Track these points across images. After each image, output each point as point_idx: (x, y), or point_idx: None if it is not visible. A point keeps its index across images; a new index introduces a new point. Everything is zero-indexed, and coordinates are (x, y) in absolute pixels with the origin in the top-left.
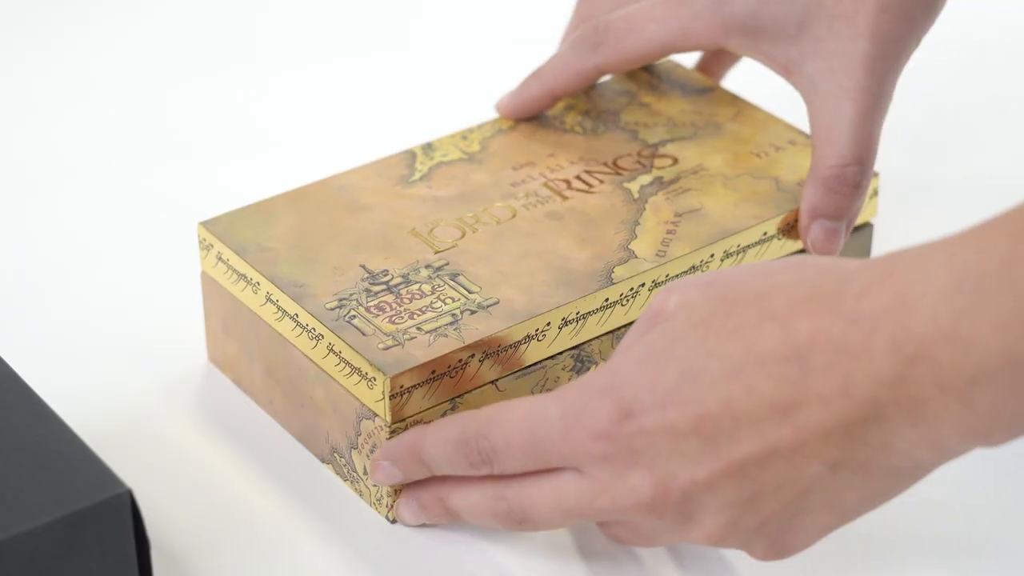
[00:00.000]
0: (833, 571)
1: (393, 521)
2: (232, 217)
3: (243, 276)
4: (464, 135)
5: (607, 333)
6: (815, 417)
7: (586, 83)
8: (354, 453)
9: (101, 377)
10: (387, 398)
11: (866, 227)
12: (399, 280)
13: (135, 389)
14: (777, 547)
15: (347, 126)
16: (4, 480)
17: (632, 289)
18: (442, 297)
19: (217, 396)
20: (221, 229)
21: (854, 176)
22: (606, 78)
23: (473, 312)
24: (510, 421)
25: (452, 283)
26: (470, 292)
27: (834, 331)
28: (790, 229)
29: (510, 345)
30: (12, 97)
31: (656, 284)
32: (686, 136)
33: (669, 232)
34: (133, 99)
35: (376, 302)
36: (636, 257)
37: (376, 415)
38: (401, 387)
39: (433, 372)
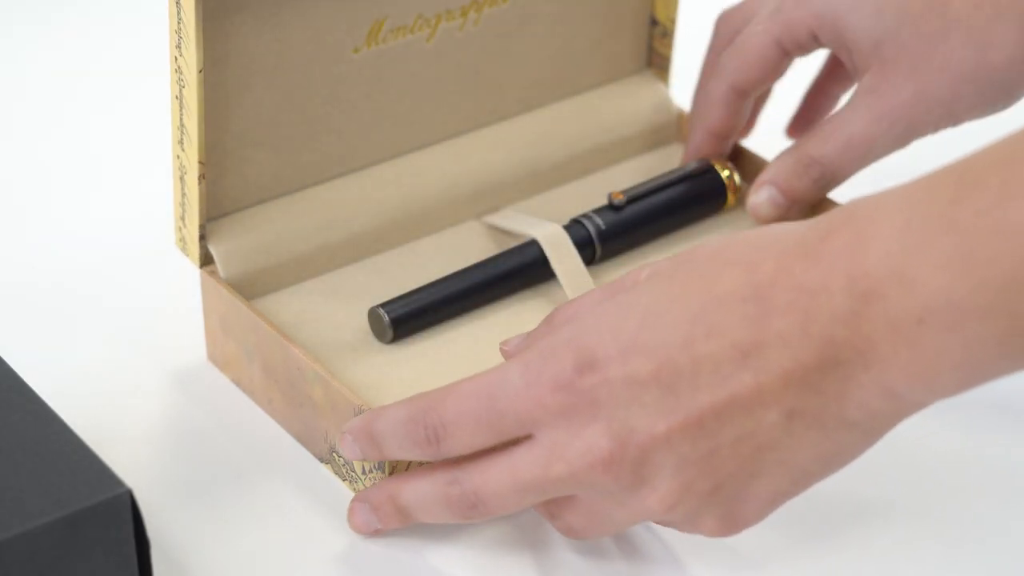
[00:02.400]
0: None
1: None
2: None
3: None
4: None
5: None
6: (775, 359)
7: (725, 102)
8: None
9: (101, 377)
10: None
11: None
12: None
13: (135, 389)
14: (728, 519)
15: None
16: (4, 480)
17: None
18: None
19: (216, 396)
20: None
21: (820, 178)
22: None
23: None
24: (465, 389)
25: None
26: None
27: (795, 270)
28: None
29: None
30: (11, 91)
31: None
32: None
33: None
34: (137, 93)
35: None
36: None
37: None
38: None
39: None
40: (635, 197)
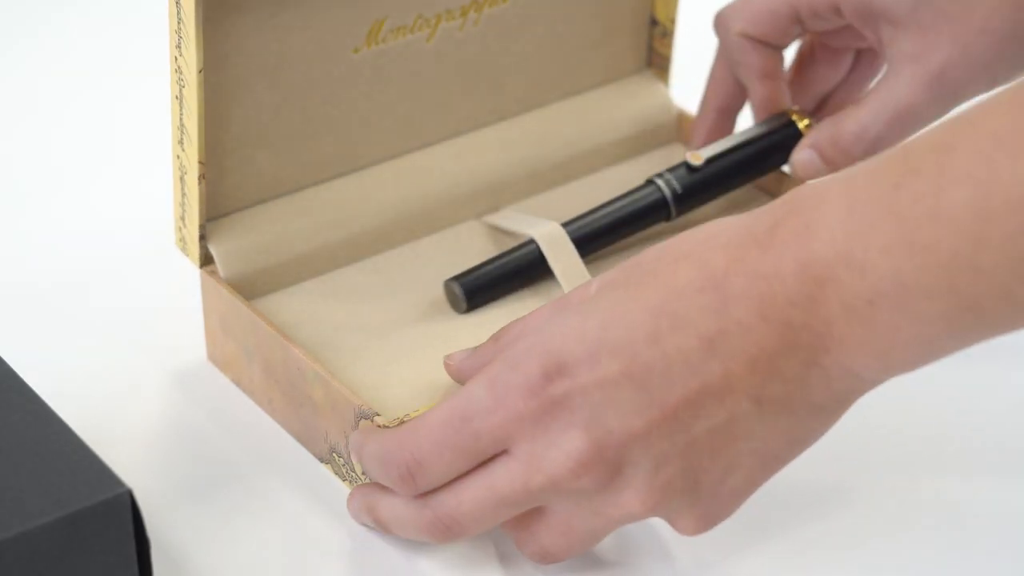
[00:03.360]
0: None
1: None
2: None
3: None
4: None
5: None
6: (739, 345)
7: (728, 55)
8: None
9: (101, 377)
10: None
11: None
12: None
13: (135, 389)
14: (704, 517)
15: None
16: (4, 480)
17: None
18: None
19: (216, 396)
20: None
21: (869, 151)
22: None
23: None
24: (433, 420)
25: None
26: None
27: (748, 258)
28: None
29: None
30: (11, 90)
31: None
32: None
33: None
34: (137, 93)
35: None
36: None
37: (376, 414)
38: None
39: None
40: (713, 157)
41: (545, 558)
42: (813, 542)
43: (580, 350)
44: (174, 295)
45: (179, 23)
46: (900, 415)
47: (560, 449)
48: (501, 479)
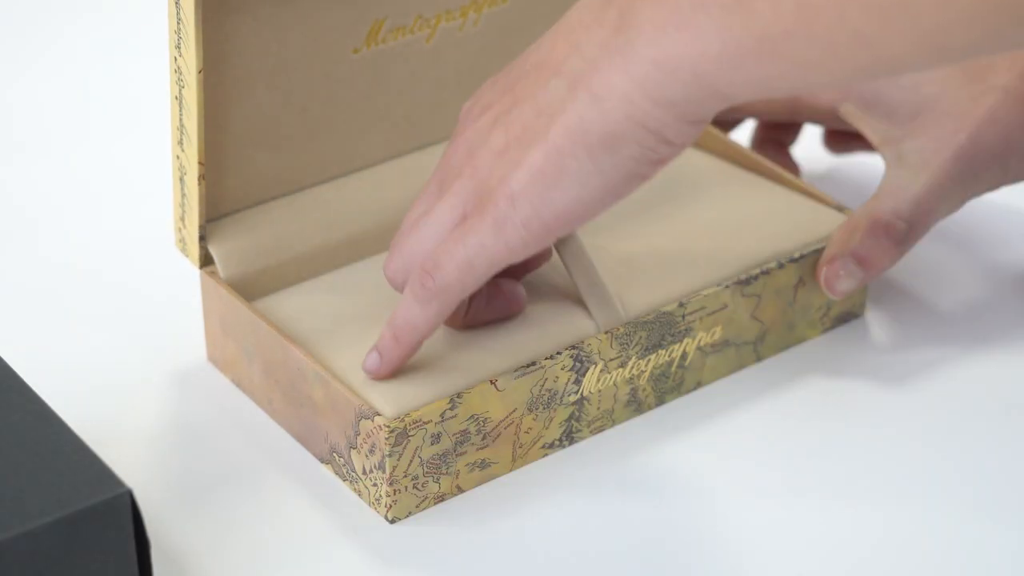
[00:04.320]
0: None
1: (392, 521)
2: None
3: None
4: None
5: (607, 332)
6: (574, 15)
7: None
8: (353, 453)
9: (101, 377)
10: None
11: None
12: None
13: (135, 389)
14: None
15: None
16: (4, 480)
17: None
18: None
19: (216, 396)
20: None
21: (901, 232)
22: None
23: None
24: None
25: None
26: None
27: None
28: None
29: None
30: (10, 91)
31: None
32: None
33: None
34: (137, 93)
35: None
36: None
37: (377, 414)
38: None
39: None
40: None
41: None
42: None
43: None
44: (174, 296)
45: (179, 23)
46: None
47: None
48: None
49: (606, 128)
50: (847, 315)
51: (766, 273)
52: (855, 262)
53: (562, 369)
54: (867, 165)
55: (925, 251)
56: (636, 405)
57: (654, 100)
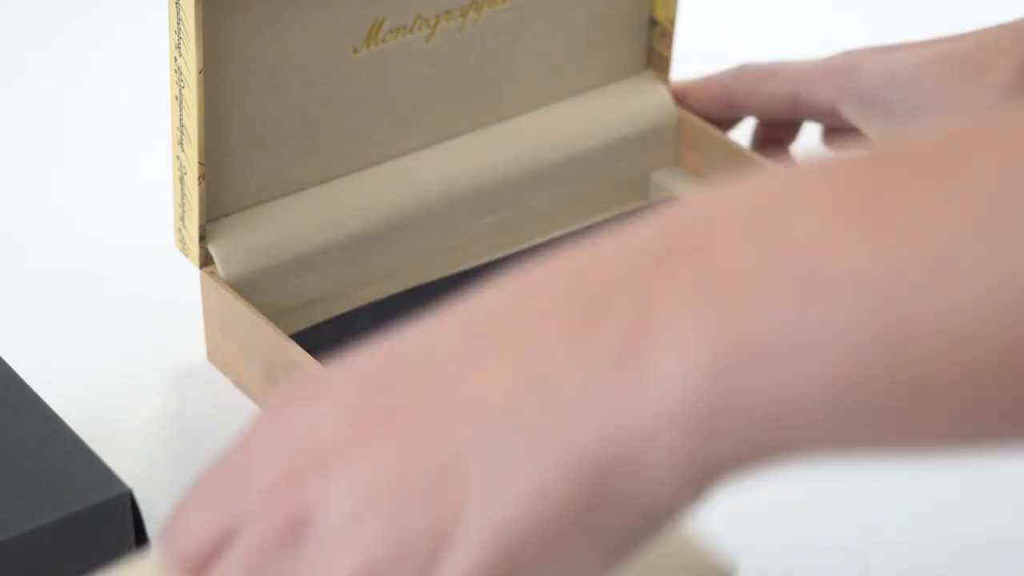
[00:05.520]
0: None
1: None
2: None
3: None
4: None
5: None
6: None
7: (719, 108)
8: None
9: (101, 377)
10: None
11: None
12: None
13: (135, 389)
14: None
15: None
16: (4, 480)
17: None
18: None
19: (216, 396)
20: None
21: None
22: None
23: None
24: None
25: None
26: None
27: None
28: None
29: None
30: (10, 91)
31: None
32: None
33: None
34: (137, 93)
35: None
36: None
37: None
38: None
39: None
40: None
41: None
42: None
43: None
44: (174, 296)
45: (179, 23)
46: None
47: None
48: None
49: None
50: None
51: None
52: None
53: None
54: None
55: None
56: None
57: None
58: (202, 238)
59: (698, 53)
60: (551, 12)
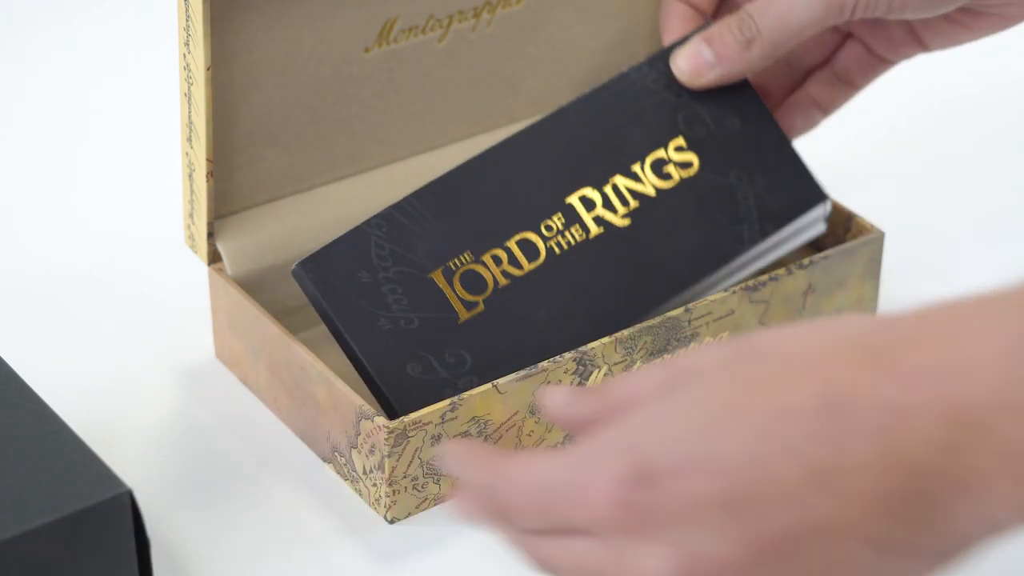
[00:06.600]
0: None
1: (392, 521)
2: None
3: None
4: None
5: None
6: (853, 484)
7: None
8: (354, 453)
9: (108, 375)
10: None
11: (876, 237)
12: None
13: (142, 386)
14: None
15: None
16: (4, 480)
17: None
18: None
19: (223, 394)
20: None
21: (748, 31)
22: None
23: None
24: (522, 480)
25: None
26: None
27: (877, 386)
28: None
29: None
30: (20, 88)
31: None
32: None
33: None
34: (146, 90)
35: None
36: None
37: (377, 415)
38: None
39: None
40: None
41: None
42: None
43: (671, 459)
44: (182, 292)
45: (188, 20)
46: None
47: (647, 563)
48: (592, 557)
49: None
50: None
51: (775, 280)
52: (709, 47)
53: (565, 372)
54: (862, 161)
55: (933, 257)
56: None
57: None
58: (211, 235)
59: None
60: (565, 15)
